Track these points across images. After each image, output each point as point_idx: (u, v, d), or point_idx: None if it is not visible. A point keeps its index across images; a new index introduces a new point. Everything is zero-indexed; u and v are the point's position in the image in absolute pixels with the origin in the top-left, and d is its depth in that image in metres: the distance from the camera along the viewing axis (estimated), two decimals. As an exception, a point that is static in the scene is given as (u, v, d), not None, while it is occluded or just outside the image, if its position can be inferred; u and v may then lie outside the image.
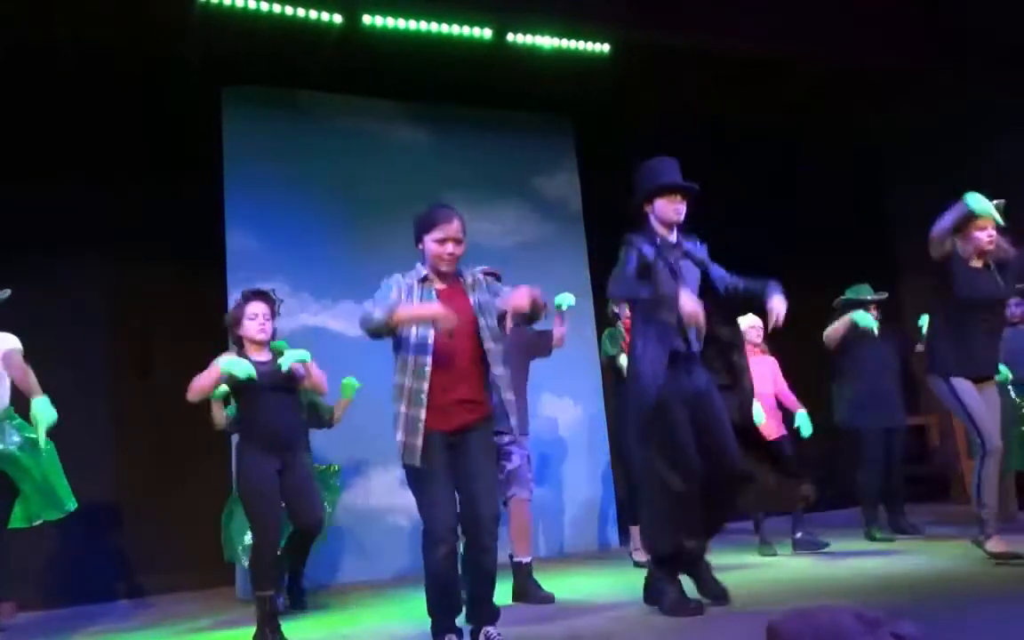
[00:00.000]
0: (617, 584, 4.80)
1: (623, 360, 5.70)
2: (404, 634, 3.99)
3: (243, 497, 4.15)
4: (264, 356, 4.23)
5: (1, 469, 4.11)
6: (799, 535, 5.43)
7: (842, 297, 5.93)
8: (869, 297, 5.83)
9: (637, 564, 5.40)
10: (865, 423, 5.66)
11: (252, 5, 5.91)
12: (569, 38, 6.69)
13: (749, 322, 5.70)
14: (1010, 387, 5.48)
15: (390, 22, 6.25)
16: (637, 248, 3.80)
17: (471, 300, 3.40)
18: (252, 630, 4.01)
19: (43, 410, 3.98)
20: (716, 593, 3.83)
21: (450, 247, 3.35)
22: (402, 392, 3.27)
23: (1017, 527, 5.45)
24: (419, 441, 3.21)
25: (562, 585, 4.89)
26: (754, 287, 3.97)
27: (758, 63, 7.21)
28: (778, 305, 3.85)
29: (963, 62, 7.09)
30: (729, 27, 6.63)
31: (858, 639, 2.37)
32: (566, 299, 4.93)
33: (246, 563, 4.81)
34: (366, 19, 6.18)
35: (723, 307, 3.98)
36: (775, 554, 5.36)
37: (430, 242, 3.37)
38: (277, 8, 5.97)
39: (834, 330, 5.69)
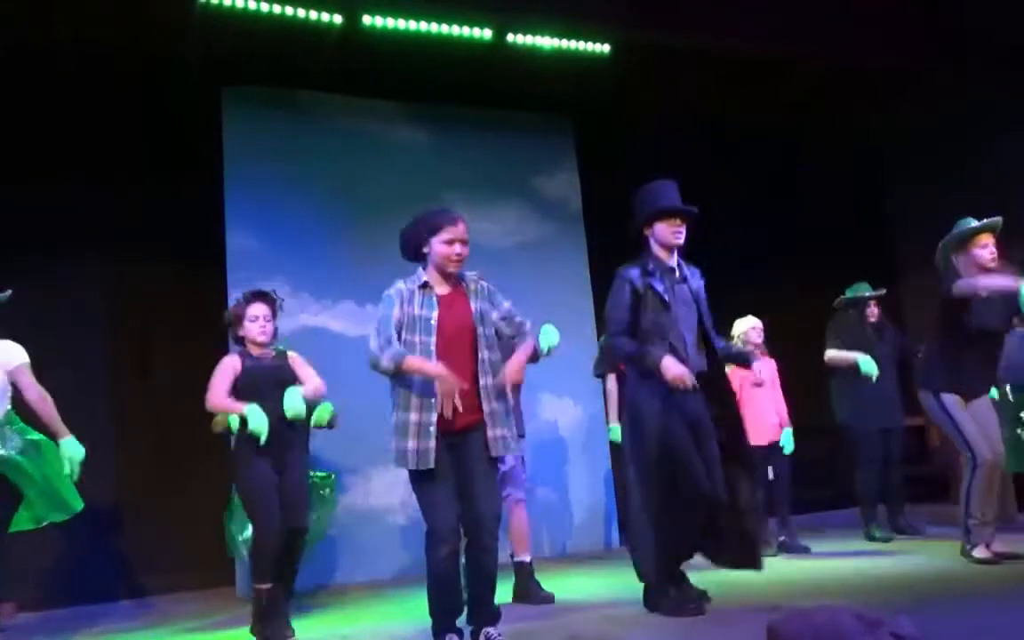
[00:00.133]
0: (618, 584, 4.80)
1: (611, 385, 5.75)
2: (404, 634, 3.99)
3: (242, 496, 4.15)
4: (266, 358, 4.23)
5: (1, 473, 4.11)
6: (782, 538, 5.46)
7: (843, 296, 5.94)
8: (867, 293, 5.83)
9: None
10: (863, 423, 5.66)
11: (252, 5, 5.90)
12: (569, 38, 6.69)
13: (750, 323, 5.71)
14: (1008, 388, 5.47)
15: (390, 22, 6.25)
16: (628, 281, 3.83)
17: (472, 306, 3.41)
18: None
19: (74, 450, 4.09)
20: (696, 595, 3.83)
21: (458, 248, 3.36)
22: (408, 399, 3.27)
23: (1017, 527, 5.46)
24: (432, 444, 3.23)
25: (563, 585, 4.89)
26: (732, 353, 4.10)
27: (758, 63, 7.21)
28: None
29: (963, 62, 7.09)
30: (729, 27, 6.63)
31: (858, 639, 2.37)
32: (548, 339, 4.63)
33: (246, 555, 4.80)
34: (366, 19, 6.18)
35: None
36: (775, 554, 5.37)
37: (437, 244, 3.37)
38: (277, 8, 5.97)
39: (836, 359, 5.70)
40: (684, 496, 3.67)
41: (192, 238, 6.39)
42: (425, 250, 3.42)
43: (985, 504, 4.27)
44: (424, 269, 3.44)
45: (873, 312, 5.83)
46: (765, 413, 5.59)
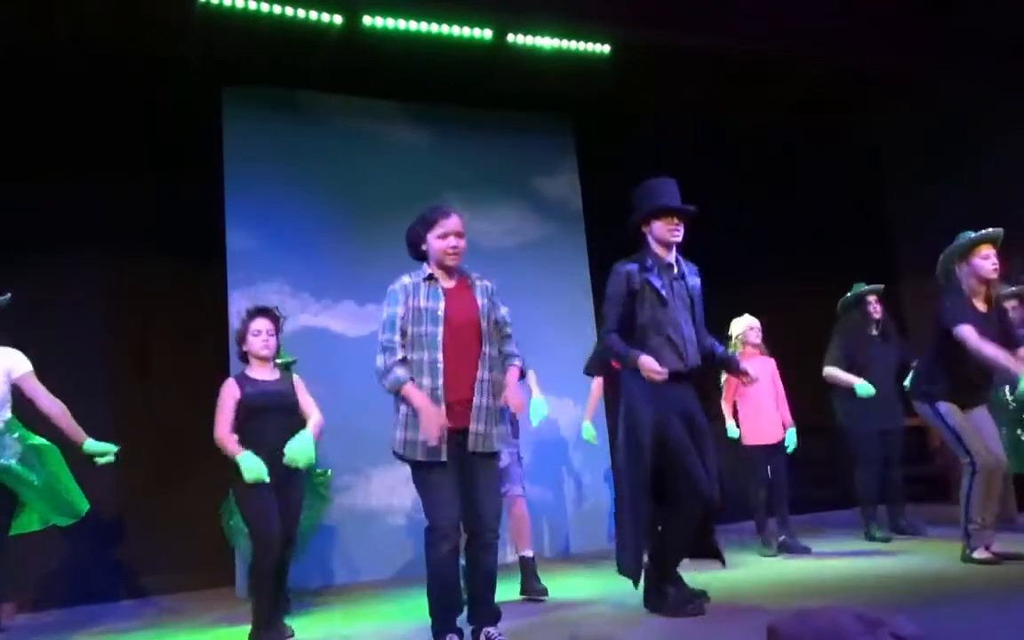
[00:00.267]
0: (618, 584, 4.78)
1: (594, 386, 5.85)
2: (404, 634, 3.99)
3: (243, 514, 4.16)
4: (268, 372, 4.26)
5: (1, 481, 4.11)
6: (782, 538, 5.46)
7: (845, 298, 5.94)
8: (865, 288, 5.83)
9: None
10: (863, 424, 5.65)
11: (252, 5, 5.91)
12: (569, 38, 6.69)
13: (747, 323, 5.71)
14: (1007, 389, 5.47)
15: (390, 23, 6.25)
16: (624, 277, 3.84)
17: (479, 301, 3.44)
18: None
19: (97, 447, 4.16)
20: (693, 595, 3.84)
21: (452, 240, 3.40)
22: (417, 390, 3.27)
23: (1017, 527, 5.46)
24: (440, 435, 3.23)
25: (564, 585, 4.90)
26: (718, 358, 4.06)
27: (758, 63, 7.21)
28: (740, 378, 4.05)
29: (963, 62, 7.08)
30: (729, 27, 6.62)
31: (858, 639, 2.37)
32: (539, 413, 5.07)
33: (245, 551, 4.82)
34: (366, 20, 6.18)
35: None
36: (775, 554, 5.37)
37: (433, 240, 3.42)
38: (277, 8, 5.97)
39: (833, 378, 5.70)
40: (682, 494, 3.68)
41: (192, 238, 6.40)
42: (424, 247, 3.47)
43: (985, 508, 4.27)
44: (428, 264, 3.47)
45: (876, 309, 5.82)
46: (764, 413, 5.58)
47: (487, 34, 6.50)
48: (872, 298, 5.82)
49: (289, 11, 6.00)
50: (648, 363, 3.68)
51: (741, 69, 7.28)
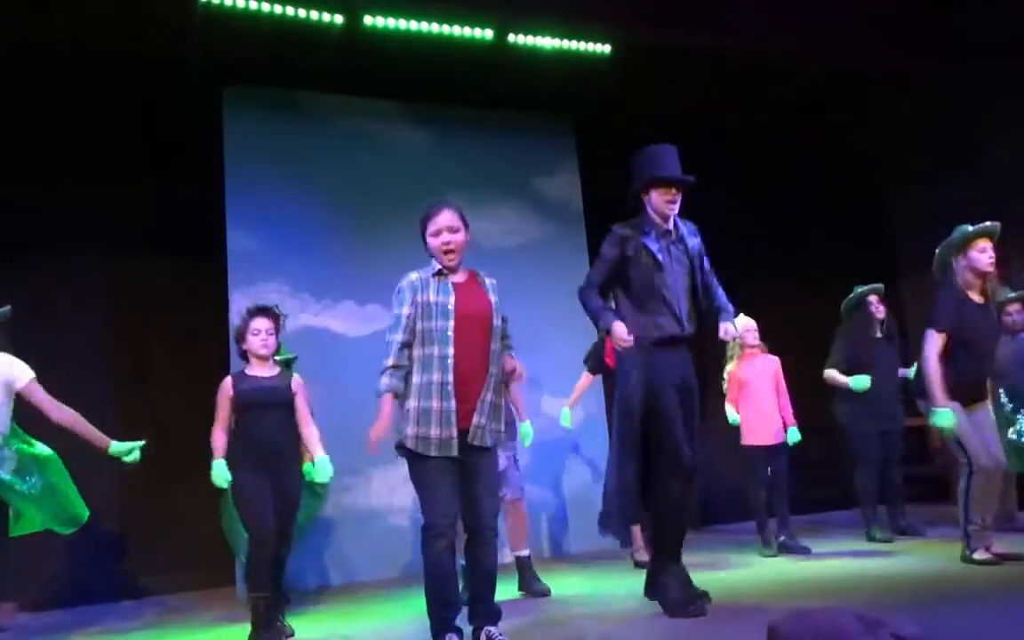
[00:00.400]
0: (617, 584, 4.80)
1: (583, 378, 5.91)
2: (404, 634, 4.00)
3: (238, 508, 4.18)
4: (267, 370, 4.26)
5: None
6: (782, 538, 5.46)
7: (847, 300, 5.94)
8: (866, 289, 5.83)
9: (637, 564, 5.40)
10: (863, 424, 5.65)
11: (253, 5, 5.91)
12: (569, 38, 6.70)
13: (743, 324, 5.68)
14: (1000, 392, 5.47)
15: (391, 23, 6.26)
16: (619, 239, 3.86)
17: (490, 297, 3.44)
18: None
19: (121, 449, 4.18)
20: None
21: (445, 236, 3.37)
22: (429, 386, 3.26)
23: (1017, 527, 5.45)
24: (455, 432, 3.24)
25: (563, 585, 4.90)
26: (719, 304, 4.03)
27: (758, 63, 7.21)
28: (731, 330, 3.95)
29: (964, 62, 7.08)
30: (729, 27, 6.63)
31: (858, 639, 2.37)
32: (527, 436, 5.23)
33: (244, 558, 4.82)
34: (367, 20, 6.18)
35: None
36: (775, 554, 5.36)
37: (429, 239, 3.43)
38: (278, 8, 5.97)
39: (831, 380, 5.72)
40: (664, 469, 3.71)
41: (192, 238, 6.39)
42: (427, 249, 3.46)
43: (984, 509, 4.27)
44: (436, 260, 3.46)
45: (879, 310, 5.82)
46: (764, 414, 5.57)
47: (488, 34, 6.50)
48: (874, 299, 5.82)
49: (289, 11, 6.00)
50: (618, 330, 3.70)
51: (741, 69, 7.28)
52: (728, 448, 5.94)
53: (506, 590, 4.44)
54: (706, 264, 4.02)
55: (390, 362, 3.31)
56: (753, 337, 5.68)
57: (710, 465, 7.06)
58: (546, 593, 4.64)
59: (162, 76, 6.44)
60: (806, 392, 6.09)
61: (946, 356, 4.34)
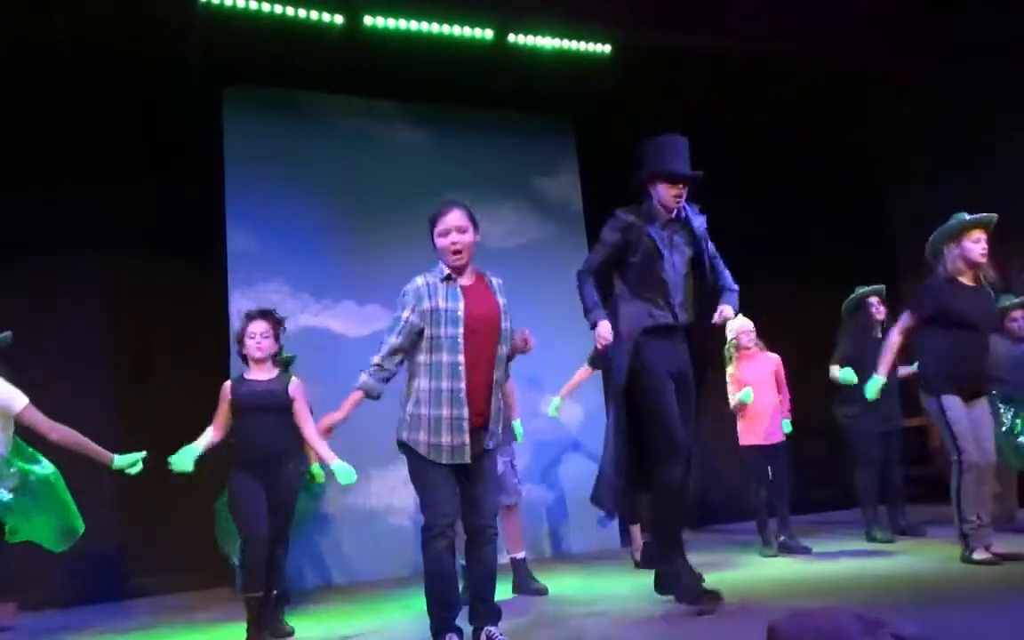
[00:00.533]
0: (617, 584, 4.81)
1: (580, 372, 5.92)
2: (404, 634, 3.99)
3: (232, 509, 4.19)
4: (265, 373, 4.26)
5: None
6: (782, 538, 5.45)
7: (848, 301, 5.93)
8: (867, 290, 5.83)
9: (637, 564, 5.40)
10: (862, 424, 5.65)
11: (253, 5, 5.91)
12: (569, 39, 6.70)
13: (739, 326, 5.67)
14: (994, 394, 5.46)
15: (391, 23, 6.26)
16: (620, 225, 3.87)
17: (499, 300, 3.41)
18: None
19: (125, 462, 4.17)
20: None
21: (453, 235, 3.33)
22: (439, 394, 3.24)
23: (1017, 527, 5.45)
24: (467, 439, 3.22)
25: (562, 585, 4.90)
26: (723, 283, 4.05)
27: (758, 63, 7.21)
28: (726, 311, 3.94)
29: (963, 62, 7.09)
30: (729, 27, 6.63)
31: (858, 639, 2.36)
32: (519, 432, 5.26)
33: (236, 562, 4.84)
34: (367, 20, 6.19)
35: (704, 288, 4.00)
36: (775, 554, 5.36)
37: (436, 239, 3.38)
38: (278, 8, 5.98)
39: (833, 377, 5.72)
40: (660, 459, 3.73)
41: (192, 238, 6.40)
42: (436, 250, 3.42)
43: (978, 506, 4.27)
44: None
45: (880, 311, 5.82)
46: (764, 414, 5.57)
47: (488, 34, 6.51)
48: (875, 300, 5.82)
49: (289, 11, 6.01)
50: (603, 330, 3.75)
51: (741, 69, 7.28)
52: (727, 448, 5.94)
53: (501, 590, 4.43)
54: (709, 248, 4.01)
55: (376, 360, 3.31)
56: (748, 338, 5.67)
57: (709, 465, 7.07)
58: (543, 592, 4.67)
59: (162, 76, 6.44)
60: (806, 392, 6.09)
61: (939, 347, 4.34)
